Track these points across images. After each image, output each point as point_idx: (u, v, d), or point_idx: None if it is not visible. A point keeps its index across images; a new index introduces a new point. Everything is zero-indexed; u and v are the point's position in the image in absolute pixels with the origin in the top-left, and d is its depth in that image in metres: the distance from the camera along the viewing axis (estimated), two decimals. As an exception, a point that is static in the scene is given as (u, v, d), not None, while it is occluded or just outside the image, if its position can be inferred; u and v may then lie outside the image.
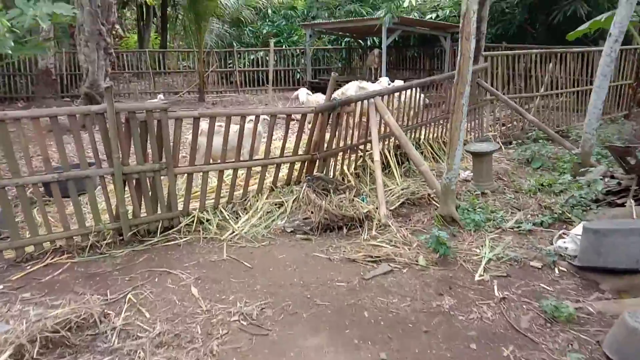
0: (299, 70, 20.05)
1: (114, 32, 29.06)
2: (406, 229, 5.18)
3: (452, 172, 5.28)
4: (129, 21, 32.80)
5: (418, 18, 15.38)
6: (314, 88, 18.46)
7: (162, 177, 5.08)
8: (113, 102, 4.57)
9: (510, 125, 9.25)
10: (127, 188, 5.00)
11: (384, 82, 8.89)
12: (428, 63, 18.11)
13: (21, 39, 6.55)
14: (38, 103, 15.39)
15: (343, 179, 6.17)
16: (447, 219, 5.40)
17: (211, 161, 5.94)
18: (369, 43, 20.08)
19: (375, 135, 5.75)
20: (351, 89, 8.53)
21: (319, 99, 8.38)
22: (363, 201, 5.51)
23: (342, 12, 20.84)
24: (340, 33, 19.30)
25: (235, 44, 20.13)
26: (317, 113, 5.55)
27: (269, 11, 22.58)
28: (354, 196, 5.65)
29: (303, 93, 8.99)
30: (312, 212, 5.22)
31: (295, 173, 5.98)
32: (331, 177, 6.05)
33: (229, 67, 19.68)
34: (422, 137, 7.45)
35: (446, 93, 7.64)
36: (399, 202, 5.89)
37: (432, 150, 7.44)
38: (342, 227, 5.19)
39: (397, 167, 6.71)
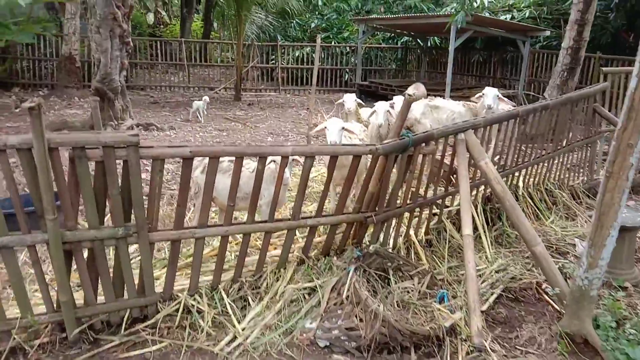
0: (347, 71, 18.03)
1: (158, 17, 27.82)
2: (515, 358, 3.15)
3: (595, 270, 3.22)
4: (175, 7, 31.56)
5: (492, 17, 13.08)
6: (364, 92, 16.42)
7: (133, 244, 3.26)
8: (43, 131, 2.72)
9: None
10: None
11: (488, 96, 6.05)
12: (499, 71, 15.68)
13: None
14: (59, 92, 14.09)
15: (408, 251, 4.16)
16: (578, 339, 3.35)
17: (212, 212, 4.10)
18: (429, 43, 17.78)
19: (466, 192, 3.71)
20: (417, 109, 6.32)
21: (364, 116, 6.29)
22: (443, 300, 3.50)
23: (400, 8, 18.61)
24: (398, 30, 17.11)
25: (279, 38, 18.27)
26: (379, 155, 3.56)
27: (319, 2, 20.55)
28: (428, 286, 3.66)
29: (351, 100, 6.76)
30: (361, 320, 3.25)
31: (338, 237, 4.02)
32: (391, 248, 4.05)
33: (271, 63, 17.86)
34: (521, 183, 5.31)
35: (559, 123, 5.47)
36: (494, 296, 3.85)
37: (531, 203, 5.30)
38: (409, 347, 3.20)
39: (486, 229, 4.64)
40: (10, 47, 15.15)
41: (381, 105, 5.76)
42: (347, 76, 17.98)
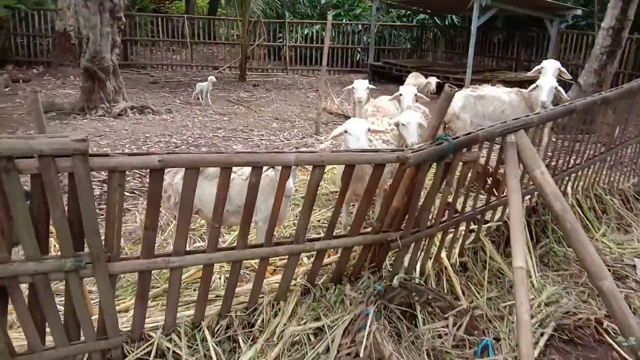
0: (359, 50, 17.04)
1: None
2: None
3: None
4: (181, -18, 30.45)
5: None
6: (376, 73, 15.50)
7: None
8: (-52, 137, 1.95)
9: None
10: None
11: (543, 89, 4.78)
12: (523, 52, 14.63)
13: None
14: (54, 70, 13.32)
15: (438, 277, 3.38)
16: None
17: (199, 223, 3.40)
18: (447, 22, 16.70)
19: (517, 211, 2.91)
20: (456, 101, 5.21)
21: (388, 107, 5.25)
22: (486, 351, 2.73)
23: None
24: (414, 8, 16.06)
25: (287, 15, 17.27)
26: (410, 165, 2.76)
27: (330, -23, 19.44)
28: (466, 329, 2.90)
29: (362, 87, 5.61)
30: (382, 381, 2.50)
31: (352, 261, 3.26)
32: (417, 275, 3.27)
33: (279, 41, 16.91)
34: (570, 190, 4.49)
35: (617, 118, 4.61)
36: (545, 338, 3.09)
37: (580, 212, 4.49)
38: (444, 417, 2.46)
39: (531, 247, 3.85)
40: (4, 22, 14.36)
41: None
42: (358, 56, 17.01)
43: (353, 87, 5.60)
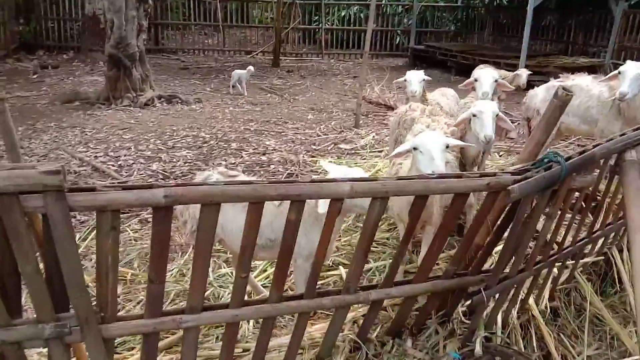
0: (399, 33, 16.07)
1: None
2: None
3: None
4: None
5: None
6: (418, 57, 14.56)
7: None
8: None
9: None
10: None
11: (626, 76, 3.86)
12: (581, 36, 13.38)
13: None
14: (84, 56, 12.93)
15: (524, 330, 2.65)
16: None
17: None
18: (495, 2, 15.48)
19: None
20: (537, 94, 4.25)
21: (448, 105, 4.48)
22: None
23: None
24: (460, -14, 14.96)
25: (324, -5, 16.41)
26: (513, 200, 2.02)
27: (369, -44, 18.41)
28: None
29: (416, 79, 4.63)
30: None
31: (413, 306, 2.57)
32: (499, 330, 2.55)
33: (314, 24, 16.10)
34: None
35: None
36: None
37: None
38: None
39: (629, 287, 3.07)
40: (35, 6, 14.07)
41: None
42: (398, 39, 16.04)
43: (405, 80, 4.79)
